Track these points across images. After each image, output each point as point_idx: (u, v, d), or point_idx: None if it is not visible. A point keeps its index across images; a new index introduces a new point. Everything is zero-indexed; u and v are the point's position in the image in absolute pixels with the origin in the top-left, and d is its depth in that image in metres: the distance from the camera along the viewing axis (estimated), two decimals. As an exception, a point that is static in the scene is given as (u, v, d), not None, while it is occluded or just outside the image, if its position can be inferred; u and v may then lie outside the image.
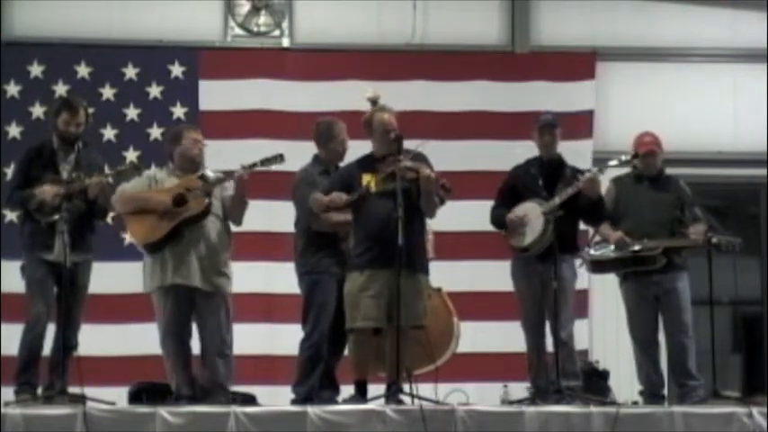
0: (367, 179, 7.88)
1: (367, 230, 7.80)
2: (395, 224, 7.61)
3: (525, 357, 8.37)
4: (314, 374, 8.19)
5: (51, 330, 8.09)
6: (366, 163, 7.99)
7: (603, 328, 10.71)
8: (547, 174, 8.34)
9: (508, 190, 8.46)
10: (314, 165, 8.49)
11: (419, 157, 7.93)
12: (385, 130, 7.94)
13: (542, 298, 8.15)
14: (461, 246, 11.07)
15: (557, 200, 8.18)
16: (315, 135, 8.58)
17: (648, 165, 8.59)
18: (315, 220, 8.21)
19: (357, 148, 8.37)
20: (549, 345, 8.20)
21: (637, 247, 8.47)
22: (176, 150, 8.17)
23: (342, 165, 8.43)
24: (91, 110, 10.36)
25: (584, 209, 8.24)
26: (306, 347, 8.25)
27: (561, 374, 8.01)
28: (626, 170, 8.76)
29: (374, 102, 8.76)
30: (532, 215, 8.20)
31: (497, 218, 8.43)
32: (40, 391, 7.96)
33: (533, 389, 8.24)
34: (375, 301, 7.70)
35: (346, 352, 8.19)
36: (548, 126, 8.41)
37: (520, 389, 8.83)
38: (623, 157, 8.43)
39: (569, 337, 8.21)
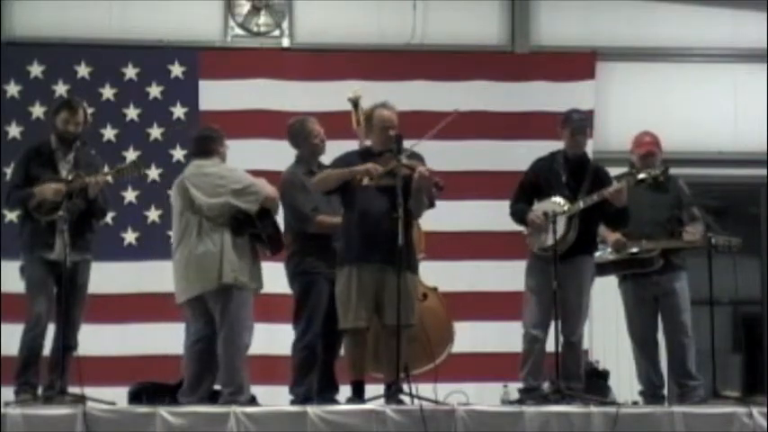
0: None
1: (357, 224, 7.79)
2: (386, 220, 7.62)
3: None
4: (310, 376, 8.21)
5: (51, 330, 8.10)
6: (364, 156, 7.99)
7: (603, 328, 10.71)
8: (571, 171, 8.30)
9: (529, 184, 8.38)
10: (297, 166, 8.50)
11: (414, 156, 7.94)
12: (384, 127, 7.94)
13: (555, 298, 8.07)
14: (461, 246, 11.08)
15: (581, 204, 8.14)
16: (290, 136, 8.60)
17: (647, 165, 8.56)
18: (308, 224, 8.24)
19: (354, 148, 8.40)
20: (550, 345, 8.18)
21: (634, 250, 8.46)
22: (222, 151, 8.19)
23: (323, 160, 8.48)
24: (91, 110, 10.39)
25: (609, 214, 8.21)
26: (299, 349, 8.28)
27: (565, 376, 8.00)
28: (624, 169, 8.75)
29: (355, 102, 8.82)
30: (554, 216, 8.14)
31: (518, 214, 8.35)
32: (40, 391, 7.96)
33: (523, 389, 8.18)
34: (365, 299, 7.71)
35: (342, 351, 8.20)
36: (582, 128, 8.39)
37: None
38: (652, 172, 8.36)
39: (579, 339, 8.20)
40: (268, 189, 8.04)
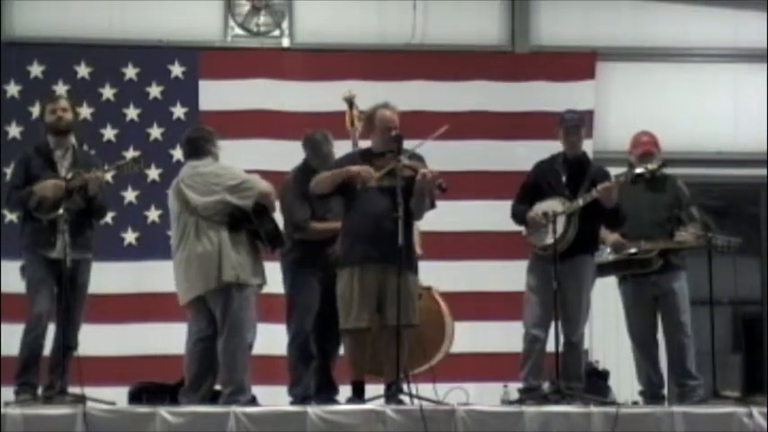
0: None
1: (359, 225, 7.79)
2: (388, 221, 7.62)
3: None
4: (307, 374, 8.25)
5: (51, 330, 8.10)
6: (365, 156, 7.99)
7: (603, 328, 10.71)
8: (571, 172, 8.31)
9: (530, 186, 8.39)
10: (303, 170, 8.47)
11: (415, 157, 7.94)
12: (386, 127, 7.94)
13: (555, 298, 8.07)
14: (461, 245, 11.08)
15: (580, 202, 8.14)
16: (307, 146, 8.58)
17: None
18: (302, 232, 8.26)
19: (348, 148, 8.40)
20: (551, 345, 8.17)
21: (633, 250, 8.46)
22: (214, 150, 8.17)
23: None
24: (91, 110, 10.40)
25: (603, 214, 8.21)
26: (293, 349, 8.31)
27: (565, 376, 8.00)
28: (624, 169, 8.75)
29: (350, 102, 8.81)
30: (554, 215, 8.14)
31: (518, 214, 8.36)
32: (40, 391, 7.96)
33: (523, 389, 8.18)
34: (366, 299, 7.71)
35: (341, 351, 8.19)
36: (575, 127, 8.39)
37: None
38: (649, 167, 8.35)
39: (579, 339, 8.20)
40: (262, 184, 8.02)
